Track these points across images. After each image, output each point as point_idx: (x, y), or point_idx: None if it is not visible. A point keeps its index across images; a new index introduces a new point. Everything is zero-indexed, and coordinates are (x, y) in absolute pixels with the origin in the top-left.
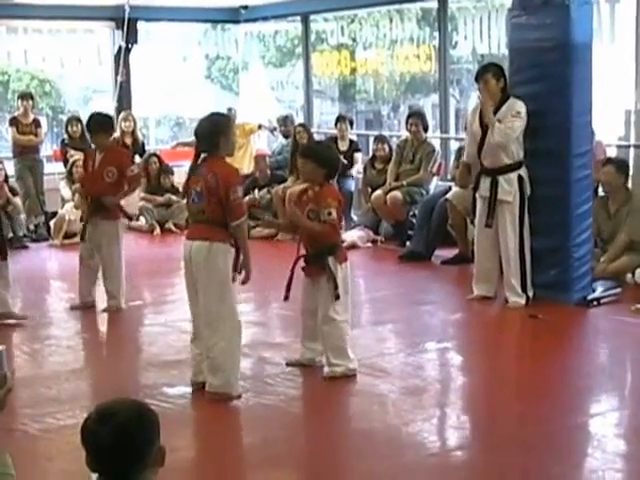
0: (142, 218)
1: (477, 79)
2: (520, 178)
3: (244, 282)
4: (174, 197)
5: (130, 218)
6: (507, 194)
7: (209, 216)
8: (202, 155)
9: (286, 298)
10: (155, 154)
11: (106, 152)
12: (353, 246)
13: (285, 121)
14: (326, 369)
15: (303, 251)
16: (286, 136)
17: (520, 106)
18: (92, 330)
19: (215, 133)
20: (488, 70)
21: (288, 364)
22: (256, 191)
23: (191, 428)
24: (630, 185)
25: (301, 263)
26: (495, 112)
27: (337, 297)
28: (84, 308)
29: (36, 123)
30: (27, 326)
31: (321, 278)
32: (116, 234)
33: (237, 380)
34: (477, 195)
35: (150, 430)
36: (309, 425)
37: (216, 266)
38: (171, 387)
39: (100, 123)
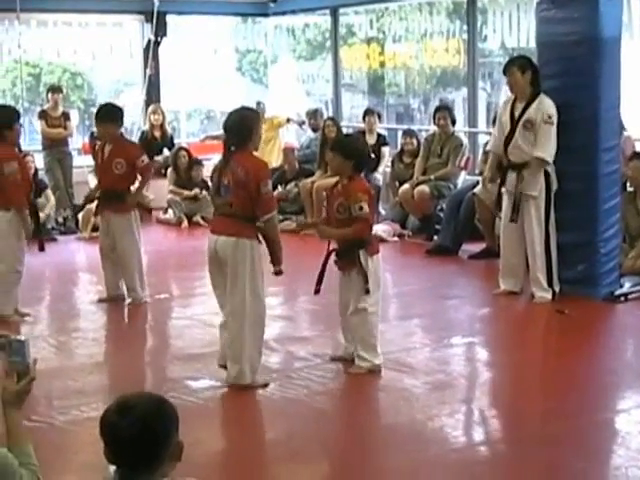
0: (170, 211)
1: (505, 73)
2: (546, 173)
3: (278, 273)
4: (204, 191)
5: (150, 210)
6: (533, 189)
7: (236, 210)
8: (231, 148)
9: (317, 292)
10: (184, 148)
11: (114, 144)
12: (380, 240)
13: (314, 115)
14: (355, 363)
15: (334, 245)
16: (315, 130)
17: (550, 107)
18: (118, 323)
19: (245, 127)
20: (514, 63)
21: (333, 359)
22: (284, 185)
23: (215, 422)
24: None
25: (333, 257)
26: (525, 108)
27: (367, 291)
28: (111, 301)
29: (65, 116)
30: (55, 318)
31: (352, 271)
32: (129, 227)
33: (255, 371)
34: (503, 190)
35: (169, 424)
36: (333, 420)
37: (242, 261)
38: (195, 380)
39: (109, 112)
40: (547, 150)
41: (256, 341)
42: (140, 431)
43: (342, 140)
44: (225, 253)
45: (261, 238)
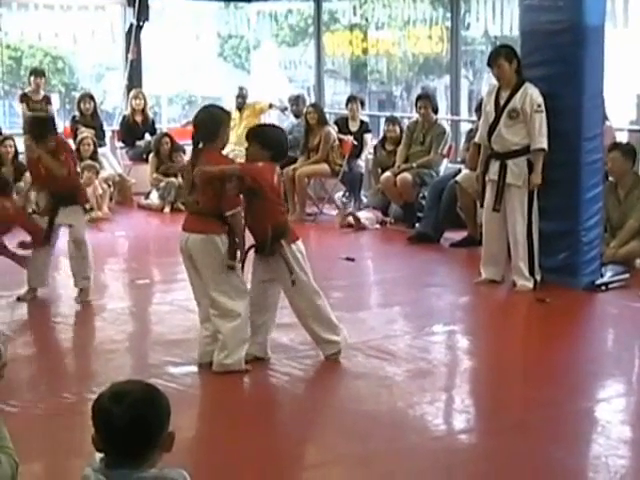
0: (152, 196)
1: (489, 63)
2: (529, 162)
3: (231, 268)
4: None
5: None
6: (516, 178)
7: (203, 207)
8: (199, 145)
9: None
10: (167, 134)
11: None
12: (362, 227)
13: (297, 101)
14: (325, 352)
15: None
16: (297, 116)
17: (538, 96)
18: (98, 308)
19: (214, 124)
20: (500, 53)
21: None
22: None
23: (196, 408)
24: None
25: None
26: (510, 97)
27: (293, 283)
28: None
29: (46, 100)
30: (36, 304)
31: (272, 261)
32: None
33: (242, 357)
34: (486, 178)
35: (162, 413)
36: (314, 407)
37: (212, 257)
38: (176, 366)
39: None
40: (543, 139)
41: (245, 327)
42: (133, 419)
43: (262, 129)
44: (194, 250)
45: None
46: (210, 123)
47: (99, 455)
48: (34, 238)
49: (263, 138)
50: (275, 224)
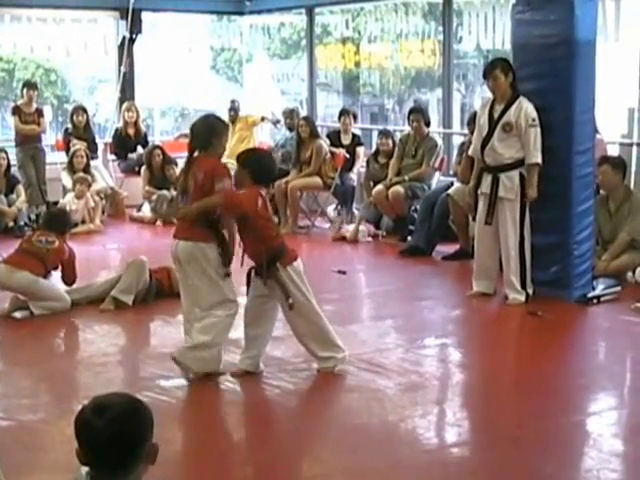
0: (144, 208)
1: (485, 76)
2: (521, 176)
3: (227, 275)
4: (175, 192)
5: None
6: (508, 192)
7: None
8: (194, 154)
9: None
10: (158, 146)
11: None
12: (354, 240)
13: (291, 114)
14: (320, 365)
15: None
16: (291, 129)
17: (533, 110)
18: (90, 321)
19: (211, 133)
20: (496, 66)
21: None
22: None
23: (186, 421)
24: (632, 183)
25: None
26: (505, 110)
27: (290, 307)
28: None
29: (39, 112)
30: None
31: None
32: None
33: (218, 361)
34: (479, 192)
35: (145, 425)
36: (305, 420)
37: (200, 265)
38: (167, 379)
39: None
40: (538, 154)
41: (226, 329)
42: (116, 432)
43: (249, 155)
44: (183, 257)
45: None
46: (206, 131)
47: (85, 469)
48: (66, 279)
49: (250, 163)
50: (269, 248)
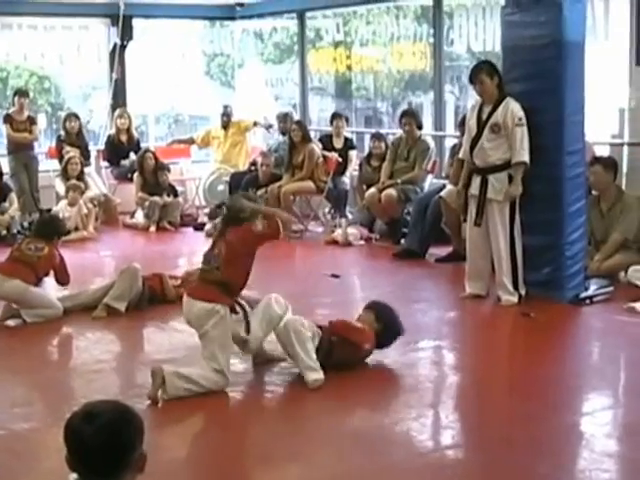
0: (137, 215)
1: (471, 80)
2: (510, 177)
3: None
4: (171, 196)
5: None
6: (497, 193)
7: (221, 276)
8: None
9: None
10: (149, 150)
11: None
12: (347, 244)
13: (285, 118)
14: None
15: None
16: (284, 133)
17: (519, 110)
18: (83, 328)
19: (240, 210)
20: (481, 70)
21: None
22: (255, 190)
23: (180, 428)
24: (624, 183)
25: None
26: (492, 112)
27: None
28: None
29: (31, 120)
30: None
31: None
32: None
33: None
34: (469, 193)
35: (134, 433)
36: (299, 424)
37: (213, 329)
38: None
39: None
40: (525, 153)
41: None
42: (105, 439)
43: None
44: (198, 318)
45: (238, 308)
46: (237, 210)
47: (73, 475)
48: (60, 280)
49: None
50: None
